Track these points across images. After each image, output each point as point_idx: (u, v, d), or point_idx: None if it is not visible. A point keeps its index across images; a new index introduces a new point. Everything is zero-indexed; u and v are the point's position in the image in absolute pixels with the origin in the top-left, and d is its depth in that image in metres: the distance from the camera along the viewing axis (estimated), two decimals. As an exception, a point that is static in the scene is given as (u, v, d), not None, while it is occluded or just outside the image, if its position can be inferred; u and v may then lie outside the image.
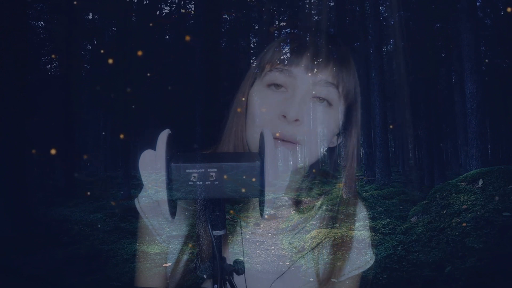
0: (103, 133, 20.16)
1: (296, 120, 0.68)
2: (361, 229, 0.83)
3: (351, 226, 0.84)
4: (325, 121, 0.72)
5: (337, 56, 0.73)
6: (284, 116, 0.67)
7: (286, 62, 0.69)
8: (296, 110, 0.67)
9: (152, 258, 0.79)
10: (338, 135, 0.77)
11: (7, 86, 6.22)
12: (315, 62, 0.69)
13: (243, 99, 0.76)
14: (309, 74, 0.69)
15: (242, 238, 0.77)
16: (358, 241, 0.81)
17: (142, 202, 0.81)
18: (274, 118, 0.68)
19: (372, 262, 0.82)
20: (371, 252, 0.84)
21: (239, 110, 0.77)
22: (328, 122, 0.72)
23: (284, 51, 0.71)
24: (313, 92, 0.70)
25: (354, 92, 0.75)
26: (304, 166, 0.84)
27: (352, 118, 0.77)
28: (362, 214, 0.85)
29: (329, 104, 0.71)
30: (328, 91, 0.70)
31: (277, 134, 0.68)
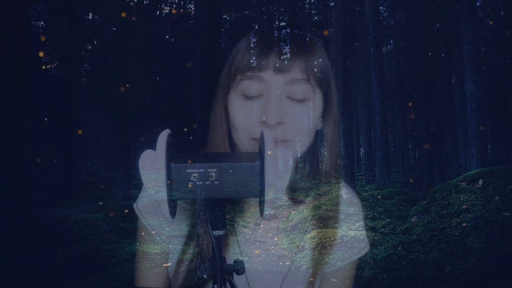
0: (103, 133, 20.16)
1: (278, 123, 0.68)
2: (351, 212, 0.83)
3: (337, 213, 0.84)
4: (306, 115, 0.72)
5: (302, 49, 0.72)
6: (265, 123, 0.68)
7: (253, 68, 0.69)
8: (275, 114, 0.67)
9: (152, 258, 0.79)
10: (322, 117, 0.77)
11: (7, 86, 6.22)
12: (282, 62, 0.69)
13: (221, 107, 0.76)
14: (279, 75, 0.69)
15: (238, 238, 0.77)
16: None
17: (141, 205, 0.81)
18: (256, 124, 0.69)
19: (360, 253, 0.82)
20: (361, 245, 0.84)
21: (219, 118, 0.76)
22: (310, 116, 0.72)
23: (249, 56, 0.70)
24: (287, 92, 0.69)
25: (326, 78, 0.75)
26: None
27: (329, 103, 0.77)
28: (349, 198, 0.85)
29: (306, 98, 0.71)
30: (301, 88, 0.70)
31: None
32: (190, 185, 0.53)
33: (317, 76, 0.72)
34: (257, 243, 0.77)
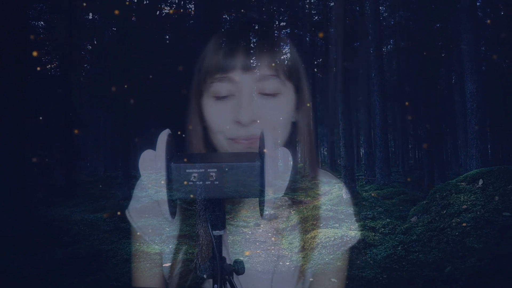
0: (103, 133, 20.16)
1: (252, 121, 0.69)
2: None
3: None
4: (280, 110, 0.72)
5: (268, 45, 0.72)
6: (239, 122, 0.68)
7: (222, 69, 0.69)
8: (248, 114, 0.68)
9: (152, 258, 0.79)
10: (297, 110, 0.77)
11: (7, 86, 6.22)
12: (249, 60, 0.69)
13: (195, 112, 0.77)
14: (248, 74, 0.69)
15: (228, 239, 0.77)
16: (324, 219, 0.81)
17: (133, 213, 0.82)
18: (231, 125, 0.69)
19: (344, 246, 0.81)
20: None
21: (193, 123, 0.78)
22: (283, 109, 0.73)
23: (217, 58, 0.70)
24: (258, 89, 0.70)
25: (296, 70, 0.76)
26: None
27: (301, 95, 0.77)
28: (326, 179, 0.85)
29: (277, 93, 0.71)
30: (271, 83, 0.71)
31: (241, 134, 0.69)
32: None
33: (286, 70, 0.73)
34: (257, 243, 0.77)
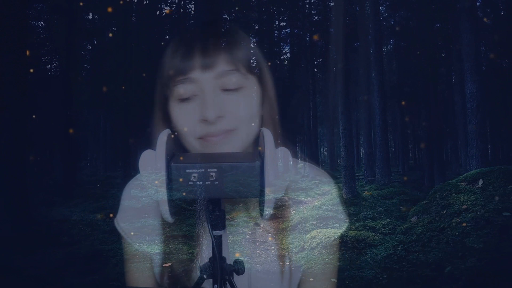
0: (103, 133, 20.16)
1: (218, 117, 0.69)
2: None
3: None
4: (245, 104, 0.73)
5: (225, 41, 0.73)
6: (206, 120, 0.69)
7: (182, 71, 0.70)
8: (213, 110, 0.68)
9: (152, 258, 0.79)
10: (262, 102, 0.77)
11: (7, 86, 6.22)
12: (207, 58, 0.70)
13: (159, 118, 0.78)
14: (208, 72, 0.70)
15: (228, 239, 0.77)
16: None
17: (122, 222, 0.82)
18: (198, 124, 0.70)
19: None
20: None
21: (160, 126, 0.77)
22: (248, 103, 0.73)
23: (175, 61, 0.71)
24: (220, 85, 0.71)
25: (256, 63, 0.76)
26: (303, 165, 0.84)
27: (264, 88, 0.77)
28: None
29: (240, 87, 0.72)
30: (232, 78, 0.71)
31: (209, 132, 0.69)
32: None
33: (246, 64, 0.73)
34: (257, 243, 0.77)
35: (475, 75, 7.95)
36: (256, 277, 0.76)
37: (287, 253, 0.79)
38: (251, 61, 0.75)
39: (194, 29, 0.80)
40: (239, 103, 0.72)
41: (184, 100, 0.71)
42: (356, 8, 14.60)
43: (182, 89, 0.71)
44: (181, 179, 0.53)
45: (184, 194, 0.53)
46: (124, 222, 0.82)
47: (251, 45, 0.77)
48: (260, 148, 0.79)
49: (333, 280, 0.81)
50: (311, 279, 0.81)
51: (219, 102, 0.70)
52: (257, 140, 0.77)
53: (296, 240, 0.80)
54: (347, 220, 0.85)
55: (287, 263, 0.79)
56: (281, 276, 0.78)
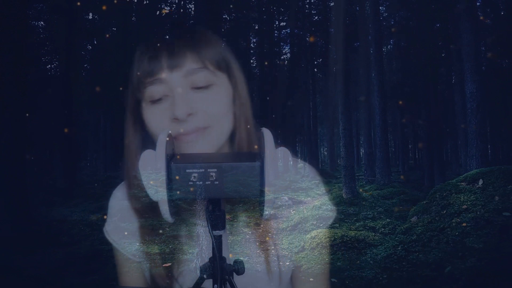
0: (103, 133, 20.16)
1: (189, 114, 0.69)
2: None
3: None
4: (216, 101, 0.73)
5: (191, 40, 0.73)
6: (177, 119, 0.69)
7: (150, 73, 0.71)
8: (183, 108, 0.68)
9: (152, 258, 0.79)
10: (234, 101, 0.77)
11: (7, 86, 6.22)
12: (174, 58, 0.71)
13: (130, 123, 0.78)
14: (176, 71, 0.70)
15: (228, 239, 0.77)
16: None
17: (110, 230, 0.83)
18: (170, 124, 0.70)
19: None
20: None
21: (132, 137, 0.78)
22: (219, 100, 0.73)
23: (143, 64, 0.72)
24: (190, 84, 0.71)
25: (224, 60, 0.76)
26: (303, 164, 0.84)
27: (234, 84, 0.77)
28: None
29: (210, 84, 0.72)
30: (200, 76, 0.71)
31: (181, 130, 0.70)
32: (177, 177, 0.53)
33: (214, 61, 0.74)
34: (257, 243, 0.77)
35: (475, 75, 7.95)
36: (256, 277, 0.76)
37: (287, 253, 0.79)
38: (220, 59, 0.75)
39: (161, 31, 0.80)
40: (210, 100, 0.72)
41: (155, 101, 0.72)
42: (356, 8, 14.60)
43: (152, 90, 0.71)
44: (177, 177, 0.53)
45: (183, 193, 0.53)
46: (112, 229, 0.83)
47: (220, 44, 0.77)
48: (256, 147, 0.79)
49: (333, 280, 0.81)
50: (311, 279, 0.81)
51: (189, 100, 0.70)
52: (232, 139, 0.77)
53: (296, 240, 0.80)
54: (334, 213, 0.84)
55: (287, 263, 0.79)
56: (279, 276, 0.78)
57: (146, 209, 0.77)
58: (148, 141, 0.79)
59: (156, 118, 0.72)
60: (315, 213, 0.82)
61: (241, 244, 0.77)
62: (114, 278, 0.89)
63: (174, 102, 0.70)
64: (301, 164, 0.84)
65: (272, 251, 0.77)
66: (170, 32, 0.77)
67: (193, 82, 0.71)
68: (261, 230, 0.78)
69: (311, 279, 0.81)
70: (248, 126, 0.78)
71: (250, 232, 0.78)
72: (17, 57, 6.37)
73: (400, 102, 16.35)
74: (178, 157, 0.56)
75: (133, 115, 0.77)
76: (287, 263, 0.78)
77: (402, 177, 14.78)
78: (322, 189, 0.84)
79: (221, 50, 0.76)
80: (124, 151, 0.80)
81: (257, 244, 0.77)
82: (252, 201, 0.78)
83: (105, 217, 0.89)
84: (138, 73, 0.73)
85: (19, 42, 6.40)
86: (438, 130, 13.53)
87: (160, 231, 0.77)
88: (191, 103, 0.70)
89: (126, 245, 0.81)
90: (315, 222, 0.82)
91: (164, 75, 0.71)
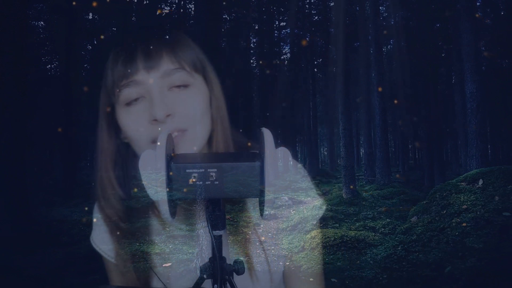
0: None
1: (168, 115, 0.68)
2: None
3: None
4: (194, 101, 0.72)
5: (167, 41, 0.73)
6: (156, 120, 0.68)
7: (126, 75, 0.70)
8: (161, 109, 0.67)
9: (152, 258, 0.79)
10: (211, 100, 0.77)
11: (7, 86, 6.22)
12: (151, 59, 0.70)
13: (103, 130, 0.77)
14: (153, 72, 0.70)
15: (228, 239, 0.77)
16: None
17: (97, 240, 0.84)
18: (149, 127, 0.69)
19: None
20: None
21: (106, 143, 0.77)
22: (197, 101, 0.73)
23: (118, 66, 0.71)
24: (167, 84, 0.71)
25: (200, 62, 0.76)
26: (304, 165, 0.84)
27: (210, 86, 0.77)
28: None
29: (187, 84, 0.72)
30: (178, 76, 0.71)
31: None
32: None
33: (191, 62, 0.74)
34: (257, 243, 0.77)
35: (475, 75, 7.95)
36: (256, 277, 0.76)
37: (287, 253, 0.79)
38: (196, 60, 0.75)
39: (135, 33, 0.79)
40: (188, 102, 0.71)
41: (131, 104, 0.70)
42: (356, 8, 14.60)
43: (128, 93, 0.70)
44: (171, 172, 0.53)
45: (183, 193, 0.53)
46: (99, 240, 0.85)
47: (195, 45, 0.77)
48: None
49: (333, 280, 0.81)
50: (311, 279, 0.81)
51: (167, 101, 0.69)
52: (210, 141, 0.76)
53: (296, 240, 0.80)
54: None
55: (287, 263, 0.79)
56: (281, 276, 0.78)
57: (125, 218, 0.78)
58: (123, 147, 0.77)
59: (133, 120, 0.70)
60: (315, 213, 0.82)
61: (241, 244, 0.77)
62: (114, 278, 0.89)
63: (152, 103, 0.68)
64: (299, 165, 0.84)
65: (263, 251, 0.77)
66: (145, 34, 0.76)
67: (171, 82, 0.71)
68: (261, 230, 0.79)
69: (311, 279, 0.81)
70: (225, 129, 0.78)
71: (250, 232, 0.78)
72: (17, 57, 6.36)
73: (399, 102, 16.36)
74: (181, 158, 0.56)
75: (107, 120, 0.76)
76: (280, 263, 0.78)
77: (398, 175, 14.78)
78: (316, 192, 0.84)
79: (196, 52, 0.76)
80: (98, 158, 0.78)
81: (249, 244, 0.77)
82: (252, 201, 0.78)
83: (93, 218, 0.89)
84: (113, 77, 0.71)
85: (19, 42, 6.40)
86: (438, 130, 13.53)
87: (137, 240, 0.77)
88: (169, 103, 0.69)
89: (113, 252, 0.81)
90: (315, 222, 0.82)
91: (140, 76, 0.69)
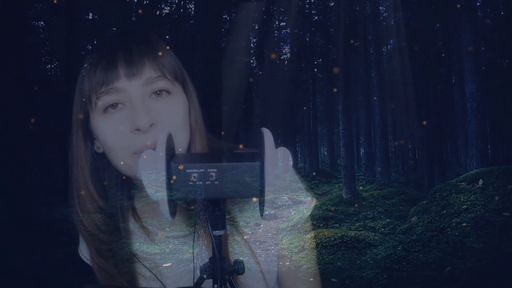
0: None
1: (151, 125, 0.66)
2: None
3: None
4: (176, 110, 0.71)
5: (148, 49, 0.71)
6: (138, 129, 0.66)
7: (105, 82, 0.67)
8: (144, 117, 0.65)
9: (152, 258, 0.79)
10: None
11: (7, 86, 6.22)
12: (132, 67, 0.68)
13: (79, 140, 0.75)
14: (134, 79, 0.68)
15: (237, 238, 0.77)
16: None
17: (85, 252, 0.84)
18: (131, 136, 0.67)
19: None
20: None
21: (78, 153, 0.75)
22: (179, 109, 0.72)
23: (97, 73, 0.68)
24: (149, 92, 0.69)
25: (180, 70, 0.76)
26: (304, 165, 0.84)
27: (189, 95, 0.77)
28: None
29: (169, 92, 0.71)
30: (160, 84, 0.70)
31: (142, 141, 0.66)
32: (172, 174, 0.53)
33: (172, 70, 0.73)
34: (257, 243, 0.77)
35: (475, 75, 7.95)
36: (256, 277, 0.76)
37: (287, 253, 0.79)
38: (176, 68, 0.74)
39: (114, 39, 0.77)
40: (169, 111, 0.70)
41: (109, 112, 0.68)
42: (356, 8, 14.60)
43: (107, 100, 0.67)
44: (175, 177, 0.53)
45: (183, 193, 0.53)
46: (86, 251, 0.85)
47: (173, 54, 0.76)
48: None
49: (333, 280, 0.81)
50: (311, 279, 0.81)
51: (149, 109, 0.67)
52: (189, 150, 0.75)
53: (296, 240, 0.80)
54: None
55: (287, 263, 0.79)
56: (281, 276, 0.78)
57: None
58: (99, 156, 0.75)
59: (112, 129, 0.68)
60: (315, 213, 0.82)
61: (241, 244, 0.77)
62: (114, 278, 0.89)
63: (134, 112, 0.66)
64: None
65: (274, 251, 0.77)
66: (125, 40, 0.74)
67: (152, 90, 0.69)
68: (261, 230, 0.79)
69: (311, 279, 0.81)
70: (203, 139, 0.77)
71: (250, 232, 0.78)
72: (17, 57, 6.37)
73: (399, 102, 16.36)
74: (181, 158, 0.56)
75: (82, 129, 0.73)
76: (275, 263, 0.78)
77: (393, 174, 14.77)
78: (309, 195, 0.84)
79: (175, 60, 0.75)
80: (73, 168, 0.76)
81: (248, 245, 0.77)
82: (252, 200, 0.78)
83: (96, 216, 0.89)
84: (91, 83, 0.69)
85: (19, 42, 6.40)
86: (438, 130, 13.53)
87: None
88: (152, 112, 0.67)
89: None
90: (315, 222, 0.82)
91: (121, 84, 0.67)
